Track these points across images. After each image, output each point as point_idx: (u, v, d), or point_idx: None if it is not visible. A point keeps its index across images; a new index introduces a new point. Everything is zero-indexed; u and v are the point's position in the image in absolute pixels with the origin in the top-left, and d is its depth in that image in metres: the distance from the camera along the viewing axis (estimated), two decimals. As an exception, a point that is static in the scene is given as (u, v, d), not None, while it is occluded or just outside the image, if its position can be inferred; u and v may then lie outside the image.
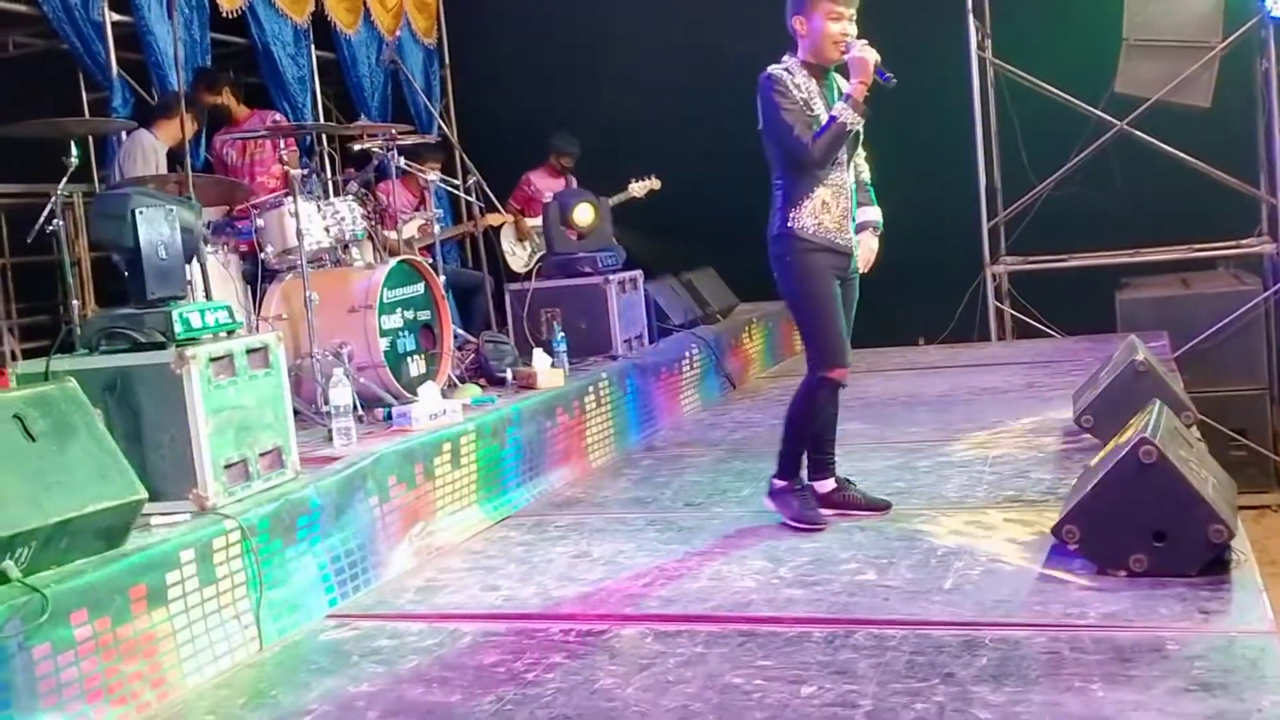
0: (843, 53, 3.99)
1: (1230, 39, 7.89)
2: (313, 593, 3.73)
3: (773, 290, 9.44)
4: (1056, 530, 3.51)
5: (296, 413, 4.45)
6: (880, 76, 3.95)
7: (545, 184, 7.98)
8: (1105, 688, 2.70)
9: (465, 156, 7.28)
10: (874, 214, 4.32)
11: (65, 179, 4.53)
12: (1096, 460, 4.03)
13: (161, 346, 3.59)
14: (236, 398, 3.71)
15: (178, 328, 3.61)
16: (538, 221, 7.85)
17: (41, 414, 3.11)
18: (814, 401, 4.20)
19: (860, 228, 4.24)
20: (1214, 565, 3.35)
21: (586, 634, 3.37)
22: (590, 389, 5.75)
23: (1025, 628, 3.12)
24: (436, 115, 8.29)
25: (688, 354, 7.02)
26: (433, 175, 6.77)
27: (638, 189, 7.83)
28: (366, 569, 3.98)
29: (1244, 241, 8.33)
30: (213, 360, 3.63)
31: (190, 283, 4.54)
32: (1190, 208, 8.24)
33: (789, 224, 4.05)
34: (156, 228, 3.74)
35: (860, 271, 4.26)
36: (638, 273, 7.10)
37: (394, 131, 5.96)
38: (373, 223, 5.79)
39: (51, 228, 4.42)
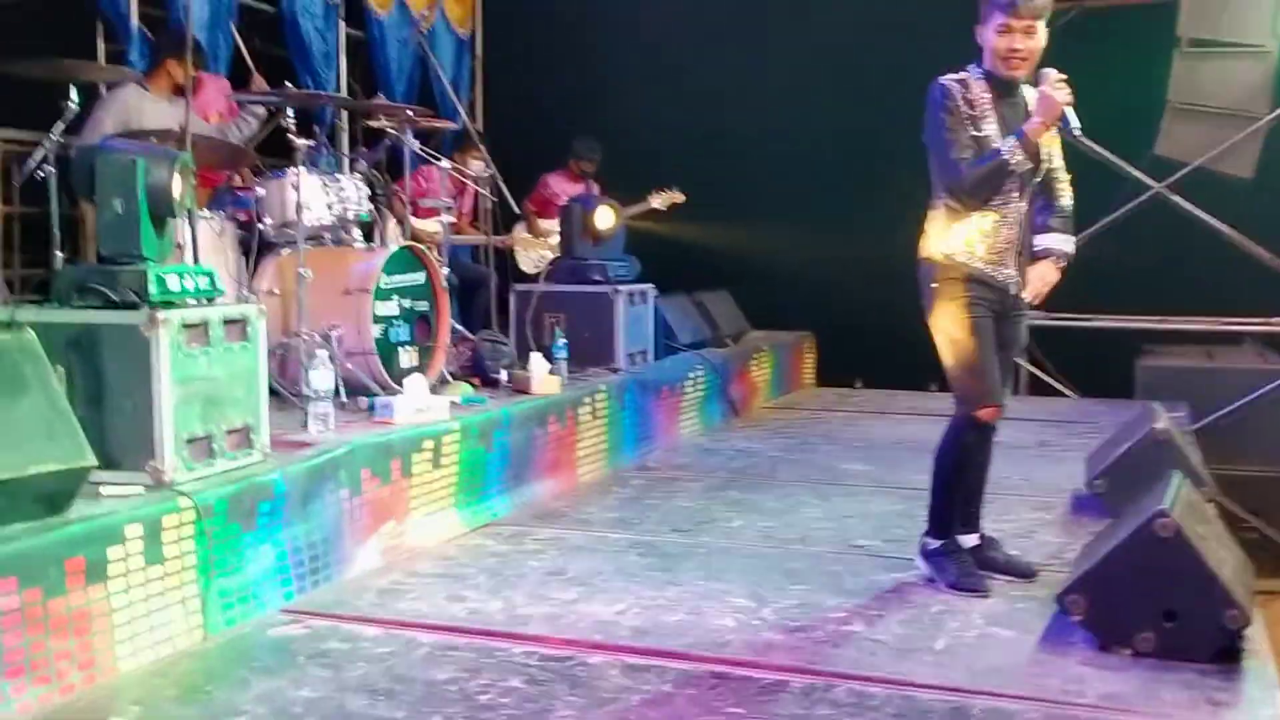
0: (1013, 69, 3.59)
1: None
2: (268, 584, 3.52)
3: (787, 321, 9.13)
4: (1060, 599, 3.30)
5: (276, 393, 4.26)
6: (1063, 124, 3.55)
7: (563, 187, 7.78)
8: (1102, 778, 2.49)
9: (487, 152, 7.08)
10: (1058, 241, 3.78)
11: (62, 125, 4.36)
12: (1106, 529, 3.82)
13: (134, 307, 3.39)
14: (207, 369, 3.50)
15: (153, 289, 3.40)
16: (553, 224, 7.66)
17: (-10, 363, 2.91)
18: (960, 445, 3.77)
19: (1039, 255, 3.78)
20: (1225, 653, 3.13)
21: (550, 659, 3.16)
22: (587, 399, 5.54)
23: (1018, 700, 2.90)
24: (462, 107, 8.09)
25: (692, 374, 6.81)
26: (474, 165, 6.67)
27: (659, 200, 7.63)
28: (328, 564, 3.78)
29: (1273, 320, 8.11)
30: (186, 326, 3.43)
31: (180, 246, 4.36)
32: (1221, 279, 7.99)
33: (938, 248, 3.68)
34: (120, 182, 3.47)
35: (1029, 301, 3.78)
36: (649, 286, 6.90)
37: (409, 113, 5.75)
38: (381, 205, 5.59)
39: (42, 175, 4.24)
